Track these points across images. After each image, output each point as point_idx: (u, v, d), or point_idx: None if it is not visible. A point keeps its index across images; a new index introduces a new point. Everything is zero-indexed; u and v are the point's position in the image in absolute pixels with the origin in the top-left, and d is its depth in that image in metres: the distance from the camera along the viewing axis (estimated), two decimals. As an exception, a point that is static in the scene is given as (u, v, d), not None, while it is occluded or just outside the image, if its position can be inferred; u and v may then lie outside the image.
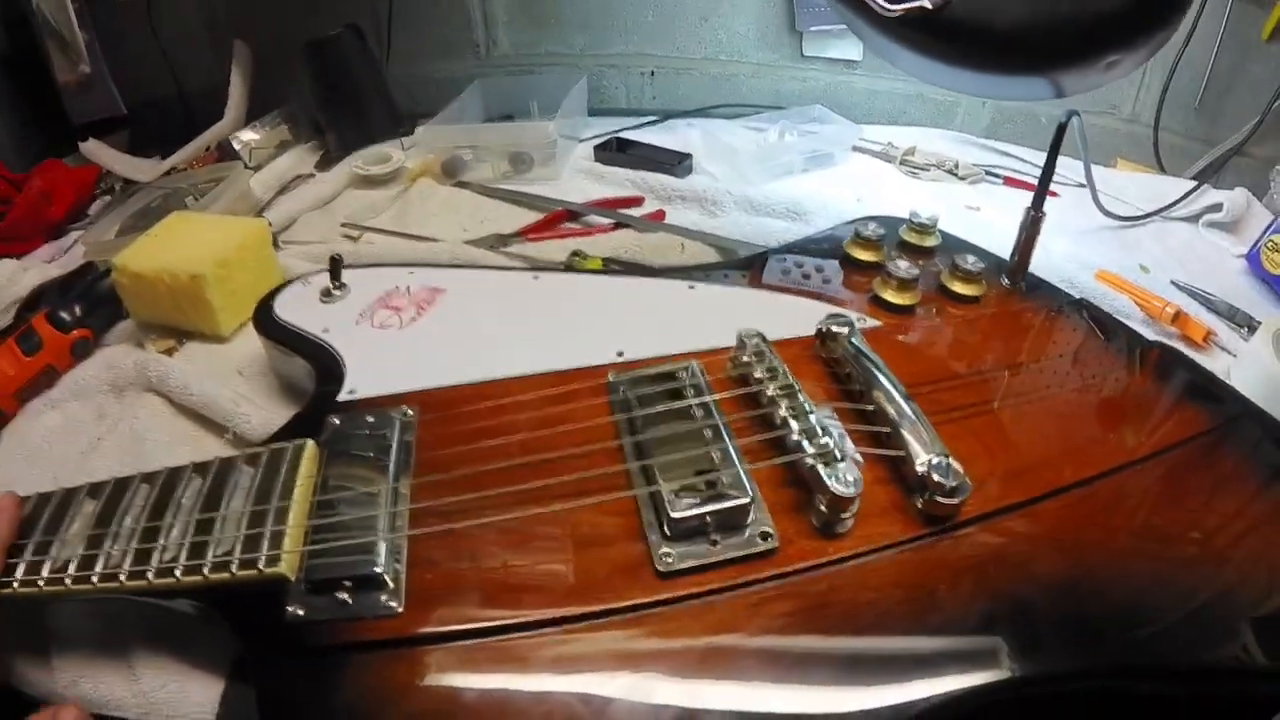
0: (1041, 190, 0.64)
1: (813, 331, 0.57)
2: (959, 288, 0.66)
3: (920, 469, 0.45)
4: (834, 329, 0.56)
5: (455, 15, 1.27)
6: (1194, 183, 0.95)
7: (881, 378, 0.51)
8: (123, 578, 0.44)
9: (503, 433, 0.50)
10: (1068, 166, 0.94)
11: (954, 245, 0.72)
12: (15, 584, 0.45)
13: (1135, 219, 0.94)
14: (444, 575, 0.43)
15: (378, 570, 0.42)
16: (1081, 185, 0.94)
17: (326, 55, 1.10)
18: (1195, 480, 0.49)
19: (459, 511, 0.45)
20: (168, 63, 1.24)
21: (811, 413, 0.48)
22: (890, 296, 0.64)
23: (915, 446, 0.46)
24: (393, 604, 0.41)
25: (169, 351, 0.77)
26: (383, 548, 0.43)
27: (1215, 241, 0.92)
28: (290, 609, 0.42)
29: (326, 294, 0.67)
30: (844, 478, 0.43)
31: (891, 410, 0.49)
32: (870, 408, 0.50)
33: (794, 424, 0.47)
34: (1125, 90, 1.10)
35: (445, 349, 0.59)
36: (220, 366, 0.74)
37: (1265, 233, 0.84)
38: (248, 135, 1.12)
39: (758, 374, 0.52)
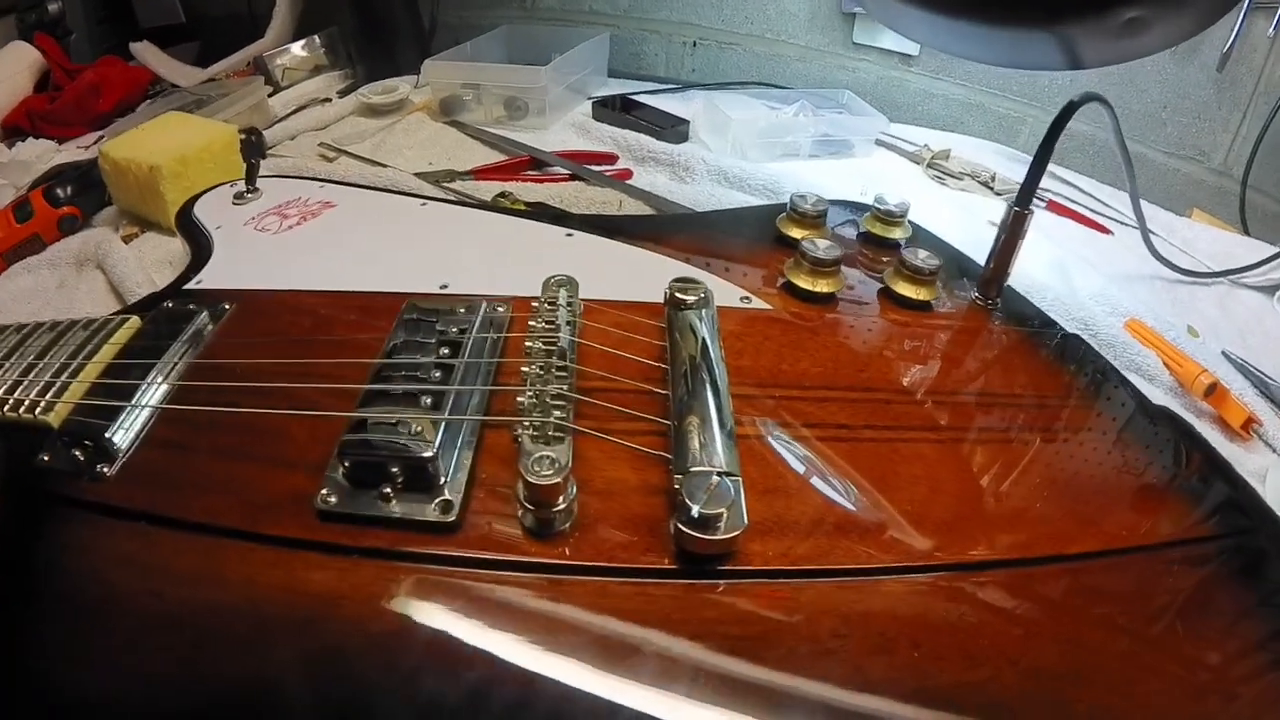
0: (1031, 182, 0.54)
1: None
2: (903, 288, 0.56)
3: (677, 481, 0.37)
4: (677, 294, 0.49)
5: (505, -37, 1.28)
6: (1277, 249, 0.82)
7: (700, 362, 0.43)
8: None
9: (289, 336, 0.52)
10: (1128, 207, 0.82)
11: (928, 242, 0.63)
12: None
13: (1198, 275, 0.82)
14: (166, 456, 0.45)
15: (109, 436, 0.45)
16: (1154, 233, 0.81)
17: (364, -14, 1.14)
18: (1159, 598, 0.38)
19: (207, 401, 0.47)
20: (240, -20, 1.32)
21: (560, 378, 0.43)
22: (800, 280, 0.56)
23: (686, 451, 0.38)
24: (106, 471, 0.44)
25: (129, 238, 0.84)
26: (125, 416, 0.46)
27: None
28: (41, 454, 0.45)
29: (239, 197, 0.71)
30: (544, 461, 0.37)
31: (682, 396, 0.41)
32: (663, 392, 0.44)
33: (530, 386, 0.43)
34: (1218, 136, 0.96)
35: (296, 257, 0.62)
36: (161, 256, 0.80)
37: None
38: (284, 56, 1.18)
39: (533, 323, 0.48)
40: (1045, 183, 0.97)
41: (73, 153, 1.04)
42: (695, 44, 1.28)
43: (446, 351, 0.47)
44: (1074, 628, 0.36)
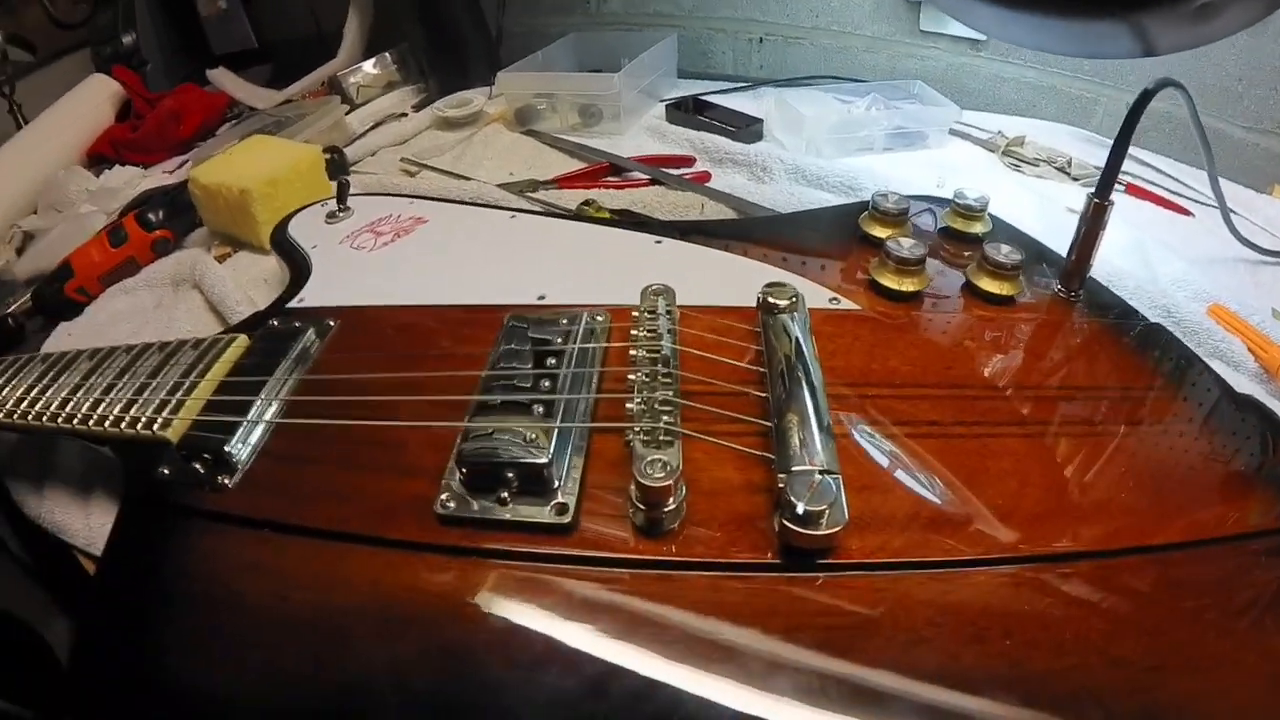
0: (1110, 173, 0.53)
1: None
2: (986, 284, 0.55)
3: (781, 480, 0.38)
4: (770, 299, 0.50)
5: (569, -32, 1.30)
6: None
7: (796, 364, 0.44)
8: (75, 422, 0.52)
9: (396, 351, 0.54)
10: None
11: (1008, 235, 0.62)
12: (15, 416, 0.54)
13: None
14: (284, 467, 0.47)
15: (228, 450, 0.47)
16: (1234, 212, 0.77)
17: (434, 1, 1.17)
18: (1245, 590, 0.38)
19: (320, 414, 0.49)
20: (309, 4, 1.36)
21: (668, 384, 0.44)
22: (886, 280, 0.56)
23: (788, 451, 0.39)
24: (226, 482, 0.46)
25: (223, 257, 0.87)
26: (242, 430, 0.48)
27: None
28: (161, 468, 0.48)
29: (331, 216, 0.74)
30: (657, 464, 0.38)
31: (780, 398, 0.42)
32: (762, 394, 0.45)
33: (638, 393, 0.44)
34: None
35: (395, 273, 0.64)
36: (255, 275, 0.83)
37: None
38: (357, 74, 1.22)
39: (635, 332, 0.50)
40: (1124, 164, 0.93)
41: (158, 178, 1.09)
42: (762, 40, 1.28)
43: (553, 361, 0.48)
44: (1159, 618, 0.36)
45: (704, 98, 1.13)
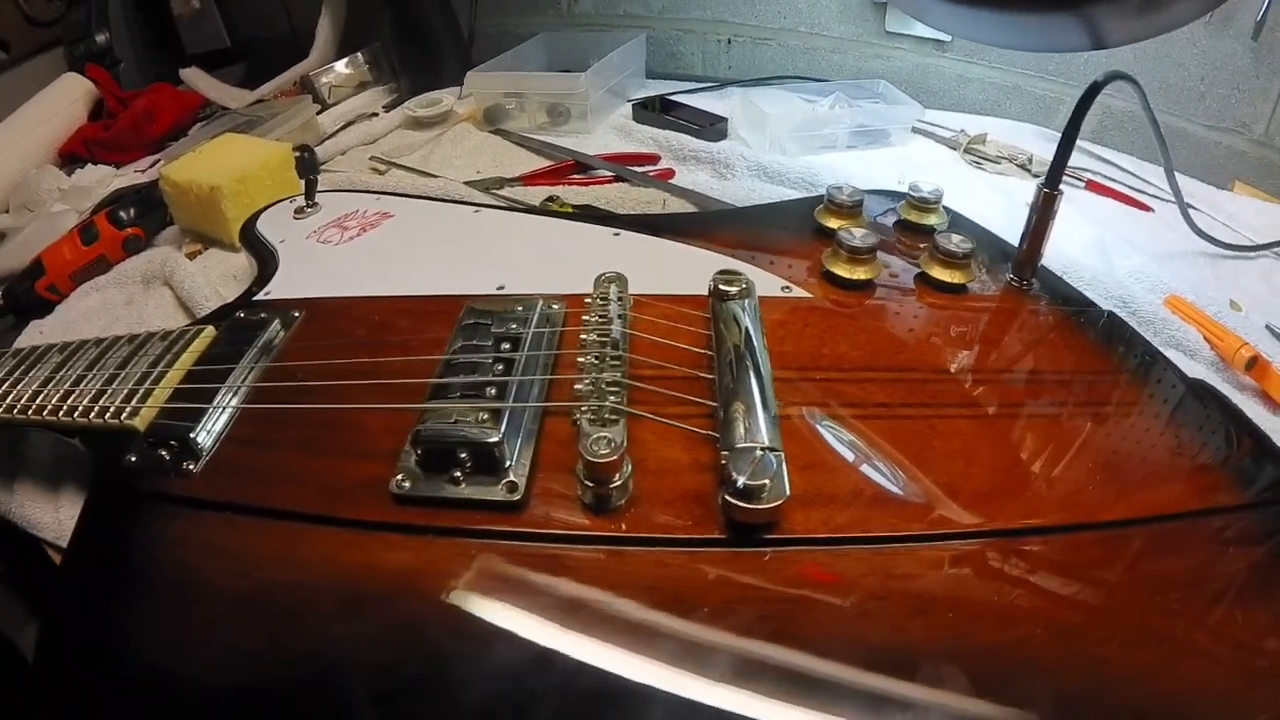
0: (1059, 163, 0.55)
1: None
2: (938, 272, 0.57)
3: (724, 456, 0.39)
4: (721, 286, 0.52)
5: (541, -30, 1.32)
6: None
7: (730, 346, 0.46)
8: (45, 414, 0.54)
9: (356, 339, 0.56)
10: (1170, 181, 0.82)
11: (963, 227, 0.64)
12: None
13: (1241, 248, 0.81)
14: (247, 452, 0.49)
15: (193, 436, 0.49)
16: (1192, 207, 0.80)
17: (405, 1, 1.19)
18: (1192, 564, 0.39)
19: (282, 401, 0.51)
20: (282, 4, 1.37)
21: (617, 366, 0.47)
22: (838, 269, 0.57)
23: (732, 429, 0.41)
24: (191, 468, 0.48)
25: (194, 254, 0.89)
26: (207, 417, 0.50)
27: None
28: (128, 455, 0.49)
29: (299, 211, 0.76)
30: (602, 441, 0.40)
31: (727, 382, 0.44)
32: (709, 377, 0.47)
33: (587, 374, 0.47)
34: (1259, 106, 0.94)
35: (358, 266, 0.66)
36: (225, 271, 0.84)
37: None
38: (330, 74, 1.23)
39: (586, 317, 0.52)
40: (1085, 162, 0.97)
41: (130, 177, 1.09)
42: (730, 41, 1.30)
43: (508, 346, 0.50)
44: (1109, 593, 0.37)
45: (671, 97, 1.15)
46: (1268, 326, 0.70)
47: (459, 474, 0.43)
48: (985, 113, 1.15)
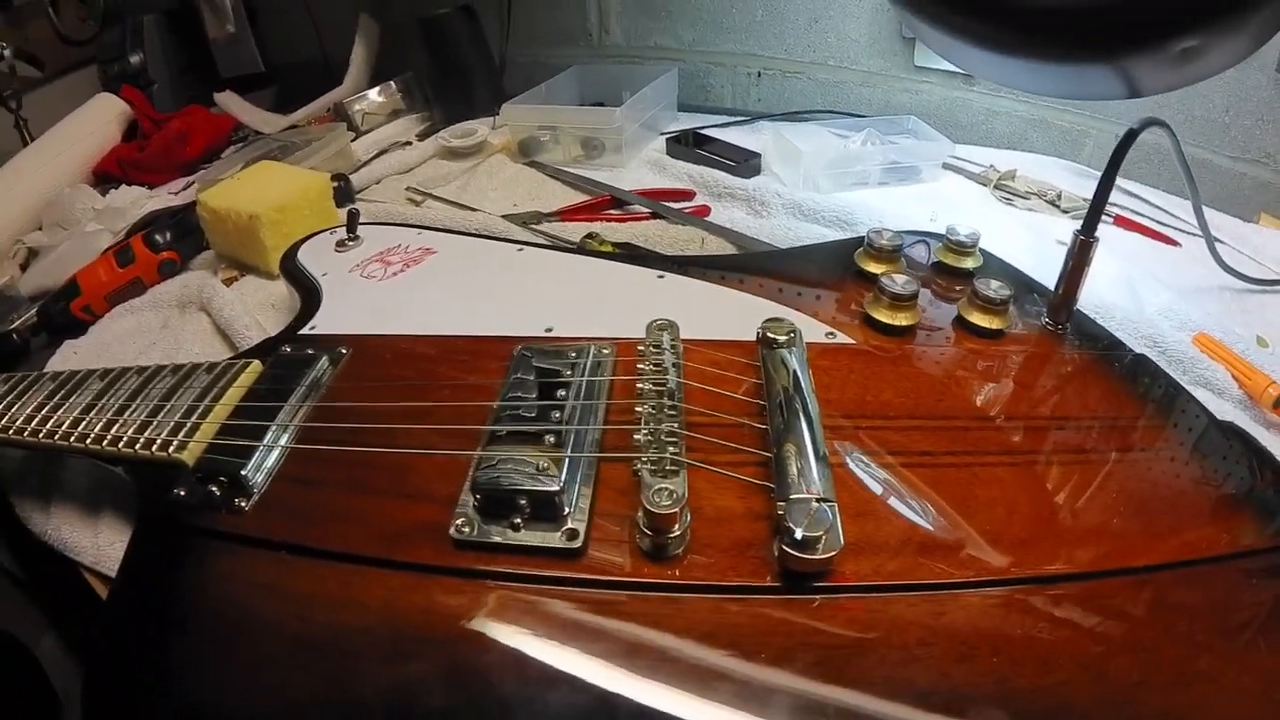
0: (1095, 211, 0.55)
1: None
2: (976, 318, 0.57)
3: (780, 508, 0.40)
4: (769, 335, 0.52)
5: (572, 1, 1.34)
6: None
7: (780, 393, 0.47)
8: (88, 442, 0.54)
9: (405, 379, 0.56)
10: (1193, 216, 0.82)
11: (999, 270, 0.64)
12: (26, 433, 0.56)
13: (1267, 282, 0.81)
14: (299, 491, 0.49)
15: (244, 473, 0.49)
16: (1219, 240, 0.80)
17: (438, 32, 1.21)
18: (1228, 608, 0.40)
19: (332, 440, 0.51)
20: (315, 30, 1.39)
21: (674, 417, 0.47)
22: (880, 315, 0.58)
23: (786, 480, 0.41)
24: (242, 505, 0.48)
25: (230, 281, 0.89)
26: (258, 455, 0.50)
27: None
28: (177, 489, 0.50)
29: (341, 244, 0.76)
30: (664, 493, 0.40)
31: (779, 431, 0.45)
32: (762, 426, 0.47)
33: (645, 424, 0.47)
34: None
35: (405, 303, 0.66)
36: (262, 299, 0.85)
37: None
38: (363, 101, 1.24)
39: (642, 365, 0.52)
40: (1112, 196, 0.94)
41: (164, 199, 1.11)
42: (760, 74, 1.31)
43: (562, 393, 0.51)
44: (1145, 636, 0.38)
45: (703, 131, 1.16)
46: None
47: (519, 520, 0.43)
48: (1012, 146, 1.15)
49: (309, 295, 0.69)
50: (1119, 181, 0.95)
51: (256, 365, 0.58)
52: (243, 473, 0.49)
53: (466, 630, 0.40)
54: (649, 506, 0.40)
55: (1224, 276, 0.80)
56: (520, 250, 0.73)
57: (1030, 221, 0.94)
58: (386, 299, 0.67)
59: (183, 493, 0.49)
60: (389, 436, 0.50)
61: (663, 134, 1.18)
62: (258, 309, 0.82)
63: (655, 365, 0.52)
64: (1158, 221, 0.95)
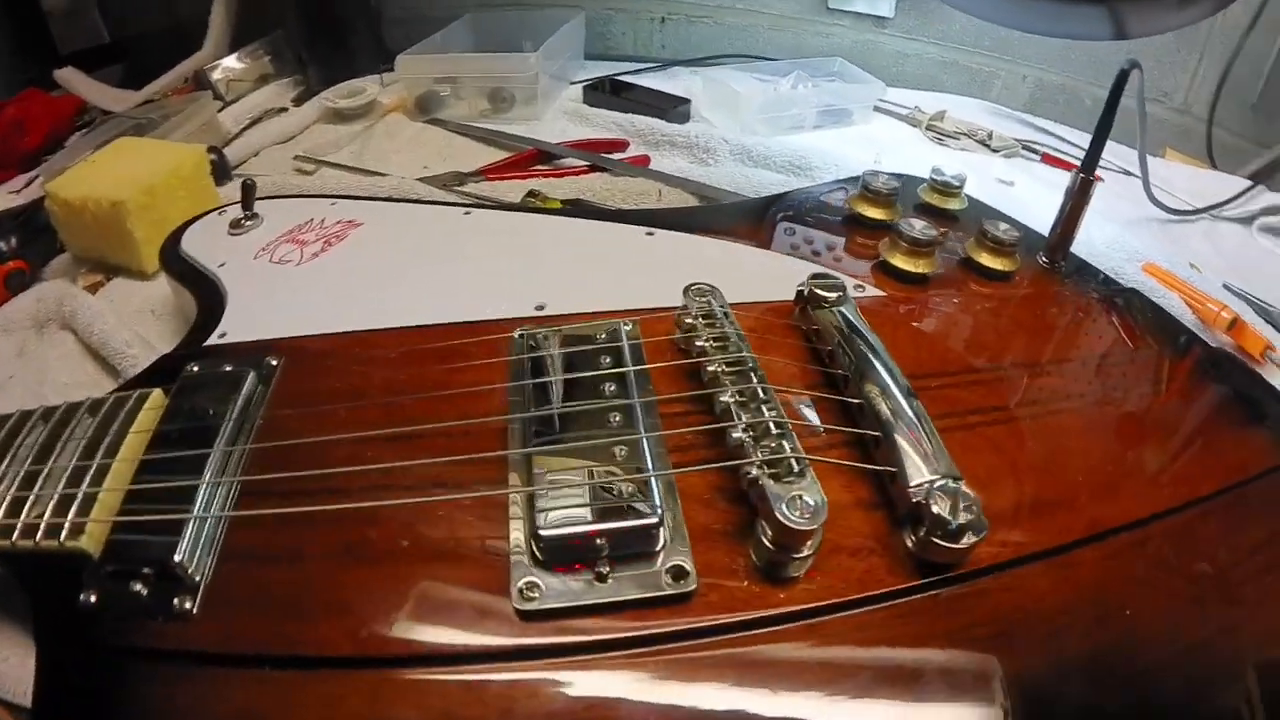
0: (1095, 149, 0.51)
1: (792, 295, 0.46)
2: (987, 260, 0.52)
3: (915, 495, 0.33)
4: (818, 291, 0.43)
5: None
6: (1249, 182, 0.82)
7: (877, 363, 0.38)
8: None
9: (370, 394, 0.40)
10: (1112, 152, 0.82)
11: (983, 212, 0.59)
12: None
13: (1187, 213, 0.81)
14: (263, 572, 0.33)
15: (177, 559, 0.32)
16: (1127, 173, 0.81)
17: (309, -16, 0.99)
18: (1264, 531, 0.37)
19: (293, 492, 0.34)
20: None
21: (767, 402, 0.35)
22: (899, 262, 0.51)
23: (912, 461, 0.34)
24: (187, 605, 0.31)
25: (94, 287, 0.69)
26: (191, 530, 0.33)
27: (1270, 248, 0.79)
28: (84, 594, 0.32)
29: (236, 225, 0.58)
30: (799, 502, 0.30)
31: (886, 408, 0.36)
32: (856, 401, 0.38)
33: (739, 415, 0.35)
34: (1178, 77, 0.96)
35: (338, 290, 0.49)
36: (139, 305, 0.66)
37: None
38: (226, 67, 1.02)
39: (701, 342, 0.39)
40: (1032, 136, 0.96)
41: (4, 199, 0.87)
42: (664, 20, 1.18)
43: (614, 388, 0.36)
44: (1222, 559, 0.35)
45: (621, 79, 1.01)
46: (1225, 286, 0.69)
47: (603, 567, 0.31)
48: (923, 88, 1.10)
49: (207, 294, 0.51)
50: (1035, 121, 1.02)
51: (157, 396, 0.41)
52: (175, 557, 0.32)
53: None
54: (785, 522, 0.30)
55: (1149, 209, 0.80)
56: (468, 214, 0.57)
57: (966, 162, 0.90)
58: (313, 287, 0.50)
59: (94, 599, 0.32)
60: (376, 478, 0.34)
61: (572, 83, 1.03)
62: (135, 319, 0.63)
63: (716, 340, 0.39)
64: (1077, 159, 0.92)
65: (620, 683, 0.29)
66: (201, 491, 0.35)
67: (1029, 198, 0.79)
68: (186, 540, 0.33)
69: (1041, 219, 0.56)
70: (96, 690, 0.31)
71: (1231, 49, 0.87)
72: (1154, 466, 0.39)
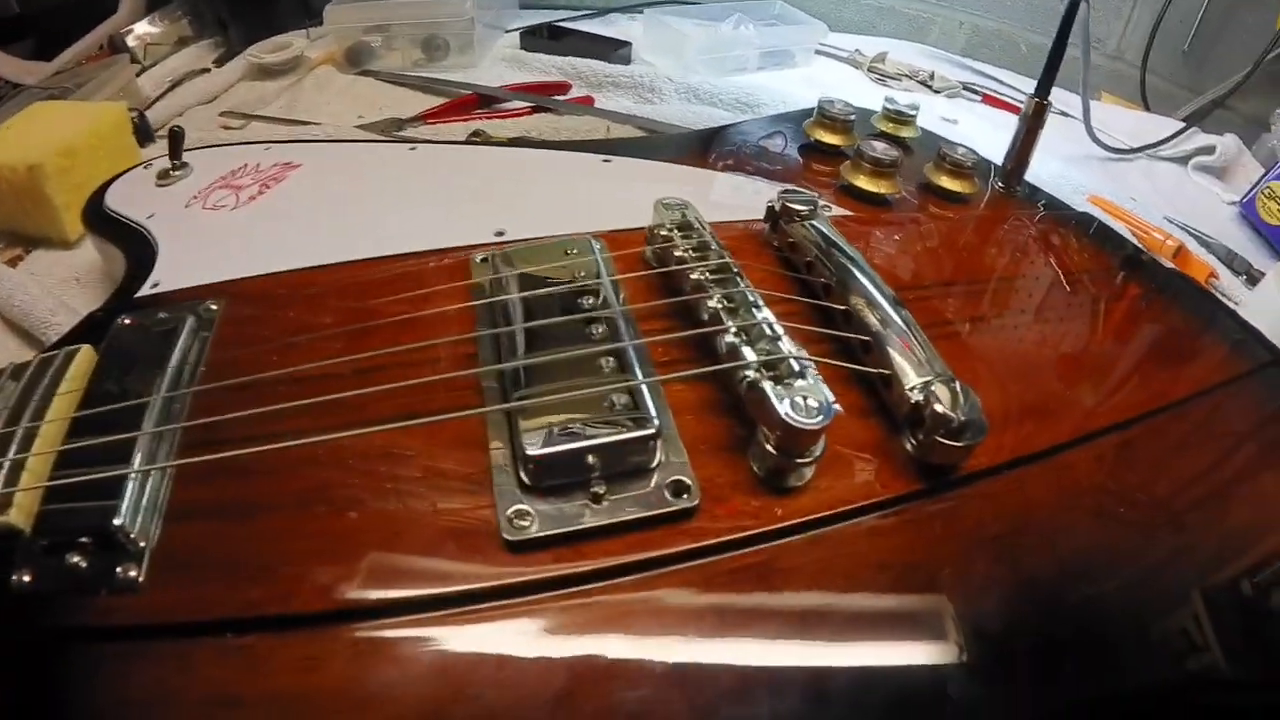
0: (1049, 74, 0.51)
1: (762, 214, 0.43)
2: (946, 182, 0.52)
3: (914, 394, 0.31)
4: (791, 205, 0.41)
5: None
6: (1182, 123, 0.84)
7: (859, 273, 0.36)
8: None
9: (322, 328, 0.35)
10: (1051, 95, 0.82)
11: (937, 142, 0.57)
12: None
13: (1126, 152, 0.83)
14: (206, 534, 0.28)
15: (117, 522, 0.27)
16: (1066, 114, 0.83)
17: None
18: (1235, 429, 0.37)
19: (242, 437, 0.29)
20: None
21: (756, 305, 0.33)
22: (862, 182, 0.50)
23: (907, 363, 0.32)
24: (132, 573, 0.27)
25: (14, 261, 0.62)
26: (131, 489, 0.28)
27: (1205, 185, 0.81)
28: (16, 574, 0.27)
29: (164, 176, 0.52)
30: (803, 402, 0.28)
31: (874, 314, 0.34)
32: (841, 307, 0.36)
33: (729, 320, 0.32)
34: (1111, 24, 0.98)
35: (280, 231, 0.44)
36: (64, 275, 0.59)
37: (1262, 180, 0.74)
38: (142, 30, 0.94)
39: (680, 252, 0.36)
40: (971, 78, 0.97)
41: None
42: (600, -36, 1.12)
43: (592, 300, 0.32)
44: (1201, 454, 0.36)
45: (559, 24, 0.95)
46: (1167, 218, 0.71)
47: (598, 487, 0.27)
48: (861, 32, 1.10)
49: (136, 248, 0.45)
50: (973, 64, 1.03)
51: (86, 352, 0.35)
52: (115, 521, 0.27)
53: (586, 669, 0.24)
54: (792, 422, 0.27)
55: (1090, 147, 0.82)
56: (414, 149, 0.52)
57: (909, 101, 0.86)
58: (252, 229, 0.45)
59: (28, 577, 0.27)
60: (336, 413, 0.29)
61: (507, 31, 0.96)
62: (60, 288, 0.57)
63: (696, 250, 0.35)
64: (1014, 100, 0.94)
65: (628, 611, 0.25)
66: (140, 444, 0.30)
67: (973, 134, 0.78)
68: (127, 502, 0.28)
69: (986, 153, 0.56)
70: (41, 680, 0.26)
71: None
72: (1127, 373, 0.39)
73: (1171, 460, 0.34)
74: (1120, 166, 0.82)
